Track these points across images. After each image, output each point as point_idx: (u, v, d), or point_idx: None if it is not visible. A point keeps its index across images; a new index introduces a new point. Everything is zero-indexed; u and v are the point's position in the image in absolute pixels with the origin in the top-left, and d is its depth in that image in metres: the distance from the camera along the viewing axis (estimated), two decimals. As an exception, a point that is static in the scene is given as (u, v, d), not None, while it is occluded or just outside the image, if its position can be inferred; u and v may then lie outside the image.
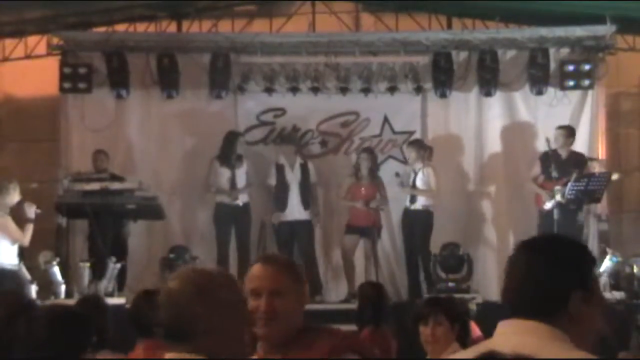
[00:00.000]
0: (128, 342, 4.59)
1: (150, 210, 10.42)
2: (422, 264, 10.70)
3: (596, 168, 10.70)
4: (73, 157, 11.37)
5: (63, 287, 9.76)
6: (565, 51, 11.55)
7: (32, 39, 11.67)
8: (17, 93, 12.15)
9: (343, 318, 6.97)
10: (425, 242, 10.70)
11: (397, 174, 10.88)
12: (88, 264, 9.87)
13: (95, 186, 10.18)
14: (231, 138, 10.92)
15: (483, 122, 11.63)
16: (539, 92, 11.38)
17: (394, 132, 11.65)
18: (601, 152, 11.52)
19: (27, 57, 11.68)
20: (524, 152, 11.49)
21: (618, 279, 10.09)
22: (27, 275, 9.43)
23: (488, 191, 11.60)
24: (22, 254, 9.59)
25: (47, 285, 9.75)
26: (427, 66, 11.45)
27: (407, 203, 10.84)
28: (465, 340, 4.43)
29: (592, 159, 10.90)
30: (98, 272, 9.77)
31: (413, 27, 11.78)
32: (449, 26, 11.85)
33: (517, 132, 11.61)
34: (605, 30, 11.22)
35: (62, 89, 11.40)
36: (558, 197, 10.21)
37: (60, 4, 11.05)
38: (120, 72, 11.36)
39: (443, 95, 11.44)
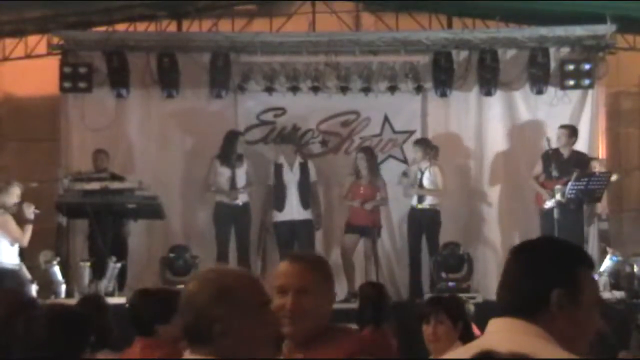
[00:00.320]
0: (129, 342, 4.58)
1: (151, 210, 10.41)
2: (430, 263, 10.66)
3: (597, 167, 10.69)
4: (73, 156, 11.36)
5: (63, 287, 9.76)
6: (565, 50, 11.55)
7: (32, 39, 11.66)
8: (17, 92, 12.13)
9: (343, 318, 6.95)
10: (435, 241, 10.69)
11: (404, 174, 10.87)
12: (88, 264, 9.87)
13: (95, 186, 10.19)
14: (231, 137, 10.91)
15: (483, 122, 11.63)
16: (539, 92, 11.37)
17: (394, 132, 11.65)
18: (601, 152, 11.52)
19: (27, 56, 11.68)
20: (524, 151, 11.48)
21: (618, 278, 10.09)
22: (27, 274, 9.44)
23: (488, 191, 11.59)
24: (23, 253, 9.59)
25: (47, 285, 9.75)
26: (428, 65, 11.44)
27: (414, 202, 10.81)
28: (468, 339, 4.42)
29: (593, 159, 10.90)
30: (98, 272, 9.76)
31: (413, 27, 11.78)
32: (449, 25, 11.85)
33: (517, 132, 11.61)
34: (605, 29, 11.22)
35: (62, 89, 11.39)
36: (558, 197, 10.20)
37: (60, 3, 11.05)
38: (120, 71, 11.34)
39: (443, 95, 11.43)
